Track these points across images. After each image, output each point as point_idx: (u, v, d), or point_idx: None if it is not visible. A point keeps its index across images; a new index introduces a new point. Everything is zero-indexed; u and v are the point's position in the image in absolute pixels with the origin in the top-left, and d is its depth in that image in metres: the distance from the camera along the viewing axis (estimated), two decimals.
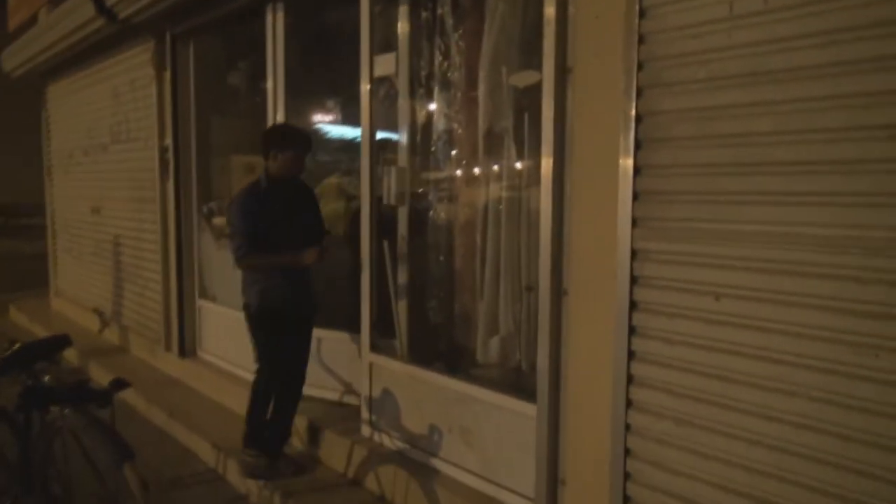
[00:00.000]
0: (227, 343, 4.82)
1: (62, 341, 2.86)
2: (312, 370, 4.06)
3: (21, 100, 9.54)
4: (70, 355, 5.97)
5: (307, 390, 4.11)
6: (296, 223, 3.55)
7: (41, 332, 6.77)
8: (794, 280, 1.93)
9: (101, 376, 5.41)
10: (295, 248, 3.40)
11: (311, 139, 3.62)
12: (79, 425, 2.52)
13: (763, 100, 1.97)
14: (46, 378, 2.68)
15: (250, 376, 3.65)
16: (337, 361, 4.06)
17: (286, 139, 3.51)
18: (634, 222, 2.27)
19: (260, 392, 3.55)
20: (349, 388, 4.01)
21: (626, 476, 2.34)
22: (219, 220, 5.01)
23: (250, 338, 3.65)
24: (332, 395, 4.09)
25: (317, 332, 4.06)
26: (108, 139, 6.43)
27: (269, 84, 4.34)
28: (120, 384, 2.58)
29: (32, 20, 7.66)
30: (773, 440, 1.98)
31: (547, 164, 2.54)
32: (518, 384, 3.04)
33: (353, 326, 3.84)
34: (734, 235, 2.05)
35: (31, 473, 2.80)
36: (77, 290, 7.50)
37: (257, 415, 3.56)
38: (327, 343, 4.07)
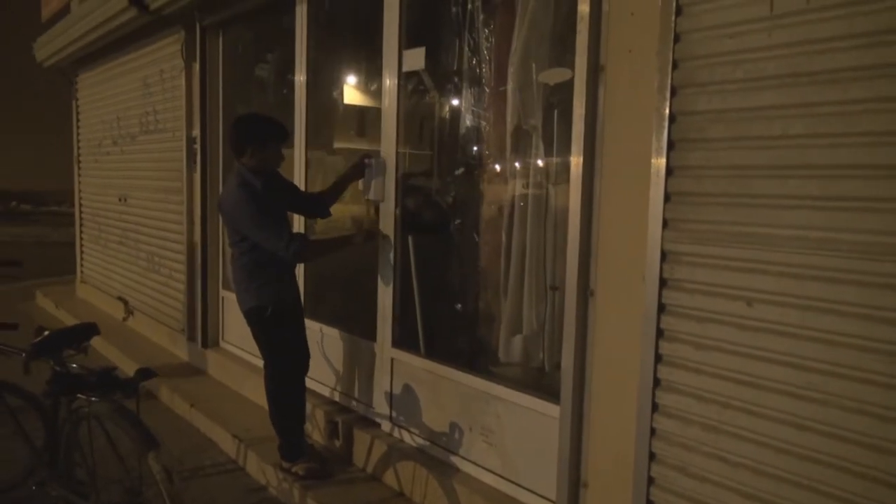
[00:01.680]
0: (250, 334, 4.84)
1: (90, 330, 2.90)
2: (324, 367, 4.07)
3: (52, 89, 9.69)
4: (95, 342, 6.04)
5: (322, 389, 4.12)
6: (301, 210, 3.60)
7: (67, 319, 6.89)
8: (829, 287, 1.88)
9: (124, 364, 5.48)
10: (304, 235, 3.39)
11: (285, 127, 3.37)
12: (105, 413, 2.56)
13: (802, 102, 1.93)
14: (74, 366, 2.72)
15: None
16: (346, 358, 4.04)
17: (264, 134, 3.24)
18: (665, 224, 2.24)
19: (283, 390, 3.45)
20: (362, 385, 4.00)
21: (650, 480, 2.31)
22: None
23: (262, 340, 3.44)
24: (345, 392, 4.09)
25: (328, 330, 4.07)
26: (138, 129, 6.50)
27: (297, 77, 4.34)
28: (146, 374, 2.61)
29: (65, 10, 7.77)
30: (803, 449, 1.94)
31: (577, 162, 2.51)
32: (540, 384, 3.02)
33: (364, 324, 3.82)
34: (768, 240, 2.00)
35: (57, 458, 2.84)
36: (103, 278, 7.60)
37: (290, 416, 3.48)
38: (339, 342, 4.06)
